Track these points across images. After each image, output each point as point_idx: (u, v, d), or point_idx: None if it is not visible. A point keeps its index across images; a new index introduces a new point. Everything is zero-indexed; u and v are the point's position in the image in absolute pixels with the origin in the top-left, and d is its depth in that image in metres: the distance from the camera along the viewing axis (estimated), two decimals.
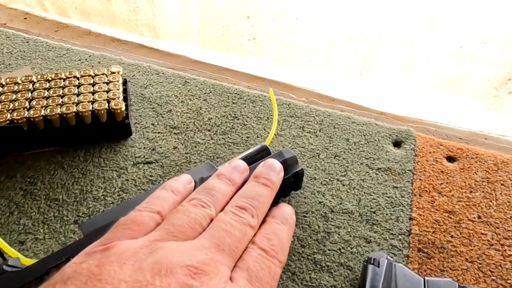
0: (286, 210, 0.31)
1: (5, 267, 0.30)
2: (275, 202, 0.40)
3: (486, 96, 0.64)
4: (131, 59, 0.62)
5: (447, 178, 0.47)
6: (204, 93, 0.56)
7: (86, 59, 0.61)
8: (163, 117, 0.53)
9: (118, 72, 0.51)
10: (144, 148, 0.48)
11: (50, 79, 0.49)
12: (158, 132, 0.51)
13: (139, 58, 0.64)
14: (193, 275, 0.20)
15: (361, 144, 0.50)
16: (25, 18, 0.76)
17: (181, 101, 0.55)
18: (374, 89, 0.69)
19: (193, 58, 0.68)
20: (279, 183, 0.34)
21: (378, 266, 0.35)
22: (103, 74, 0.51)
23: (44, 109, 0.45)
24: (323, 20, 0.71)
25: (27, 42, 0.64)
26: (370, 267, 0.35)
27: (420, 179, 0.47)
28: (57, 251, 0.31)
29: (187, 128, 0.51)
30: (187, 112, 0.53)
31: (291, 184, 0.40)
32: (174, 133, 0.51)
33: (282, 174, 0.35)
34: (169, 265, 0.21)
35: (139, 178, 0.45)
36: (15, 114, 0.44)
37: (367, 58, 0.69)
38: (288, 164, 0.39)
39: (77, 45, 0.65)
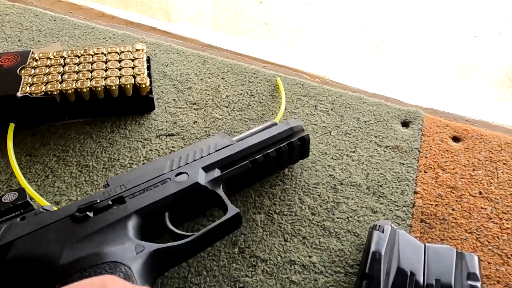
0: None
1: (41, 209, 0.34)
2: (280, 167, 0.44)
3: (500, 87, 0.65)
4: (152, 38, 0.65)
5: (451, 156, 0.49)
6: (222, 72, 0.59)
7: (110, 37, 0.64)
8: (183, 93, 0.56)
9: (143, 50, 0.54)
10: (166, 121, 0.52)
11: (79, 54, 0.53)
12: (179, 107, 0.54)
13: (160, 38, 0.67)
14: None
15: (371, 123, 0.53)
16: None
17: (200, 79, 0.58)
18: (385, 76, 0.71)
19: (205, 42, 0.70)
20: None
21: (383, 232, 0.38)
22: (128, 51, 0.54)
23: (75, 82, 0.48)
24: (336, 7, 0.72)
25: (54, 20, 0.67)
26: (375, 232, 0.38)
27: (426, 157, 0.49)
28: (85, 197, 0.35)
29: (206, 104, 0.54)
30: (206, 89, 0.56)
31: (298, 148, 0.43)
32: (194, 109, 0.54)
33: None
34: None
35: (162, 148, 0.49)
36: (49, 86, 0.47)
37: (379, 45, 0.70)
38: (294, 131, 0.43)
39: (101, 24, 0.68)
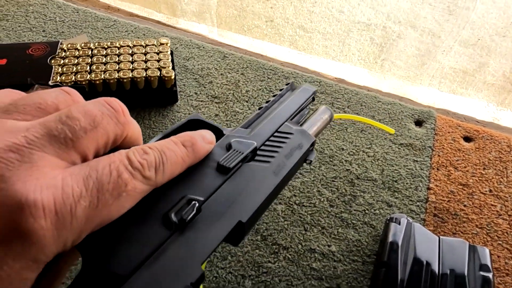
0: (201, 133, 0.23)
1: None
2: None
3: (501, 91, 0.66)
4: (173, 32, 0.67)
5: (463, 155, 0.51)
6: (242, 68, 0.61)
7: (132, 31, 0.66)
8: (204, 87, 0.58)
9: (167, 44, 0.56)
10: (189, 114, 0.54)
11: (106, 46, 0.54)
12: (201, 101, 0.56)
13: (180, 32, 0.68)
14: None
15: (386, 121, 0.55)
16: None
17: (221, 74, 0.60)
18: (387, 77, 0.72)
19: (210, 38, 0.72)
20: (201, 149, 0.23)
21: (399, 224, 0.40)
22: (153, 44, 0.56)
23: (103, 73, 0.50)
24: (341, 6, 0.72)
25: (77, 12, 0.68)
26: (392, 224, 0.40)
27: (438, 155, 0.51)
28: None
29: (226, 98, 0.56)
30: (226, 84, 0.58)
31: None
32: (215, 102, 0.56)
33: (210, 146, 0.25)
34: None
35: None
36: (78, 76, 0.49)
37: (383, 46, 0.71)
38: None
39: (123, 17, 0.70)
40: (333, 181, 0.47)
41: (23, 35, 0.63)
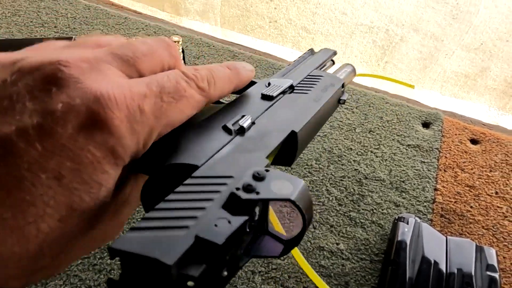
0: (242, 63, 0.26)
1: None
2: None
3: (502, 96, 0.66)
4: (183, 31, 0.68)
5: (469, 157, 0.52)
6: None
7: (142, 28, 0.66)
8: None
9: (178, 42, 0.57)
10: None
11: None
12: None
13: (190, 31, 0.69)
14: (62, 67, 0.17)
15: (393, 122, 0.55)
16: None
17: None
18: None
19: (219, 38, 0.72)
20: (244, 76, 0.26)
21: (407, 224, 0.41)
22: None
23: None
24: (344, 8, 0.71)
25: (88, 9, 0.69)
26: (401, 224, 0.41)
27: (445, 157, 0.52)
28: None
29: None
30: None
31: None
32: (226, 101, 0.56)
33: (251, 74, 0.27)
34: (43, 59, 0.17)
35: None
36: None
37: (385, 49, 0.70)
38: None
39: (133, 14, 0.71)
40: (341, 180, 0.48)
41: (35, 30, 0.64)
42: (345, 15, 0.72)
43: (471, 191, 0.48)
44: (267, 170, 0.18)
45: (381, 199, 0.47)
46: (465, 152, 0.53)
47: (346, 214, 0.45)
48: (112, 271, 0.37)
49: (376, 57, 0.72)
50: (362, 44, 0.74)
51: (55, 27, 0.65)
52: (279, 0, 0.82)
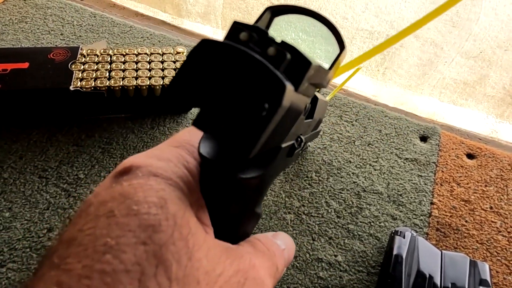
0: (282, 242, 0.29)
1: None
2: None
3: (500, 103, 0.67)
4: (187, 40, 0.69)
5: (465, 172, 0.53)
6: None
7: (147, 37, 0.68)
8: None
9: (183, 53, 0.58)
10: None
11: (124, 53, 0.56)
12: None
13: (194, 40, 0.70)
14: None
15: (392, 135, 0.57)
16: None
17: None
18: (389, 85, 0.72)
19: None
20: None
21: (404, 237, 0.42)
22: (170, 53, 0.57)
23: (122, 80, 0.52)
24: (345, 13, 0.71)
25: (94, 17, 0.70)
26: (397, 237, 0.42)
27: (442, 171, 0.53)
28: None
29: None
30: None
31: None
32: None
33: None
34: None
35: None
36: (98, 82, 0.51)
37: (385, 54, 0.70)
38: None
39: (138, 23, 0.72)
40: (340, 192, 0.49)
41: (41, 37, 0.65)
42: (346, 20, 0.73)
43: (466, 206, 0.50)
44: None
45: (379, 212, 0.48)
46: (461, 166, 0.54)
47: (344, 226, 0.46)
48: None
49: (376, 62, 0.73)
50: (362, 49, 0.74)
51: (62, 34, 0.66)
52: (280, 3, 0.82)
